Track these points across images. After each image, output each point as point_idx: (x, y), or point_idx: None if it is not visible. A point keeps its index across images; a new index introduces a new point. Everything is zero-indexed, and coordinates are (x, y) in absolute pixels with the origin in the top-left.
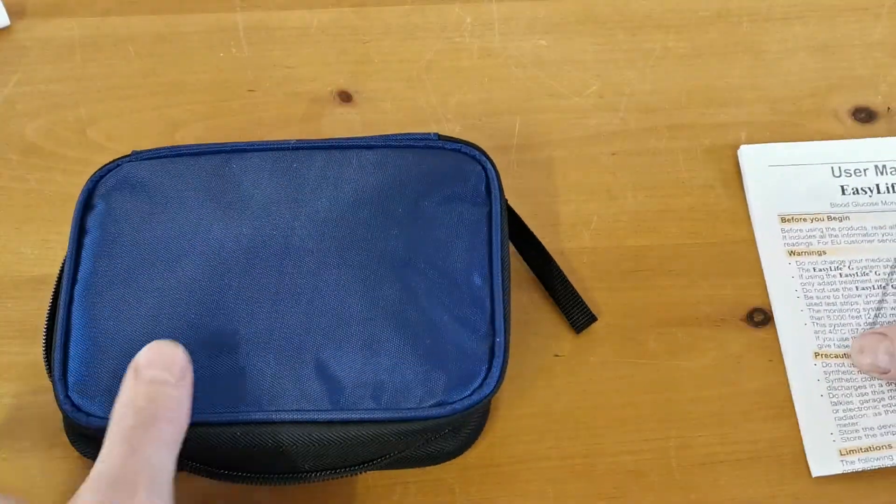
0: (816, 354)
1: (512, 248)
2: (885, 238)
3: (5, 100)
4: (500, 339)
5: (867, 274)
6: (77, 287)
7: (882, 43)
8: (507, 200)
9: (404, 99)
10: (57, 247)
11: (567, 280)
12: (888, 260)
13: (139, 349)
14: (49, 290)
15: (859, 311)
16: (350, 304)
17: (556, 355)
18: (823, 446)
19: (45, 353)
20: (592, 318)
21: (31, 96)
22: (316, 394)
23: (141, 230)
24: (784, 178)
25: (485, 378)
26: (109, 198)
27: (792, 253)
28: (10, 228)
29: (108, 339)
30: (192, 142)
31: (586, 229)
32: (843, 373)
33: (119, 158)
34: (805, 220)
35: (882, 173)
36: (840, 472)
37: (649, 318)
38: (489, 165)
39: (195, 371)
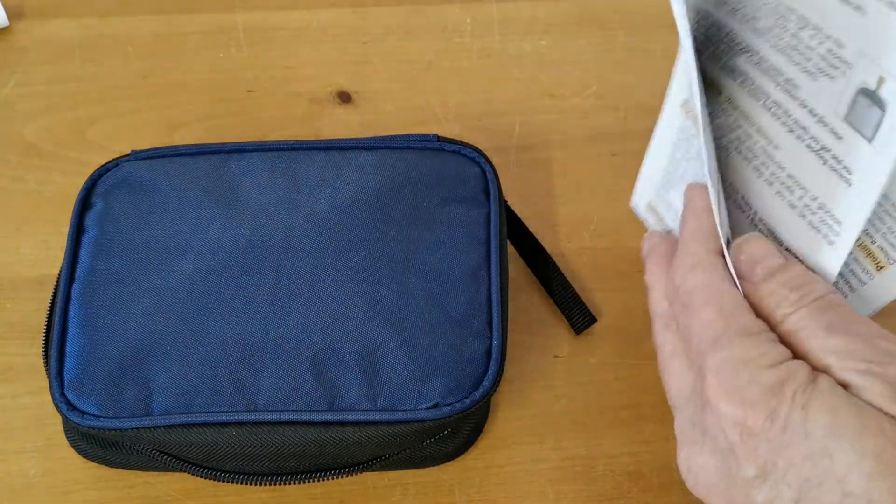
0: None
1: (512, 249)
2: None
3: (5, 100)
4: (496, 342)
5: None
6: (74, 286)
7: None
8: (506, 201)
9: (404, 99)
10: (56, 247)
11: (567, 281)
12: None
13: (136, 348)
14: (48, 290)
15: None
16: (348, 305)
17: (556, 356)
18: None
19: (45, 352)
20: (592, 320)
21: (31, 97)
22: (313, 394)
23: (139, 229)
24: None
25: (481, 380)
26: (108, 197)
27: None
28: (9, 228)
29: (104, 338)
30: (192, 142)
31: (586, 230)
32: None
33: (118, 158)
34: None
35: None
36: None
37: (649, 319)
38: (488, 167)
39: (192, 372)
